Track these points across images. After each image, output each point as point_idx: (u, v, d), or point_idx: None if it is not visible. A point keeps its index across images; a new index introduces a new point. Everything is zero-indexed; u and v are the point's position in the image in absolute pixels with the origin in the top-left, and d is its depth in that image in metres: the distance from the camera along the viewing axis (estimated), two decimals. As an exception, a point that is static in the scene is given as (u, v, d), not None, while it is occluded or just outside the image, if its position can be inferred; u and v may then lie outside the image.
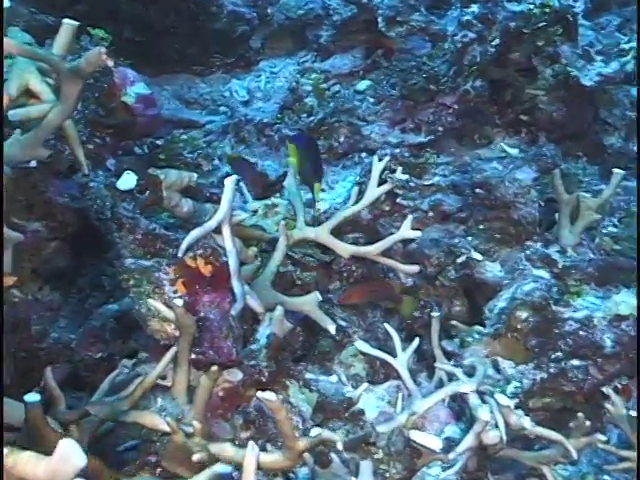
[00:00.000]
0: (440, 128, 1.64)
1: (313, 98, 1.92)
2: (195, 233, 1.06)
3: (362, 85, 1.88)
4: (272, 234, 1.37)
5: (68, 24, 1.03)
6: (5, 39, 0.91)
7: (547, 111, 1.64)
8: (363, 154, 1.62)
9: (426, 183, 1.45)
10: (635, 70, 1.64)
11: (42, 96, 0.98)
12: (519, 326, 1.28)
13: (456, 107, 1.62)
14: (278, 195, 1.52)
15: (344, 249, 1.36)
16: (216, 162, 1.63)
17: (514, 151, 1.54)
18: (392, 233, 1.47)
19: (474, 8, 1.56)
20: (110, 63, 0.89)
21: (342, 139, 1.67)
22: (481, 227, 1.49)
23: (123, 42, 2.02)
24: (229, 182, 1.10)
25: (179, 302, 0.91)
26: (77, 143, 1.02)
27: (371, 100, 1.80)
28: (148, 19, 1.96)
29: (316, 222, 1.47)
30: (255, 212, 1.45)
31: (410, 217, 1.32)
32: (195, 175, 1.20)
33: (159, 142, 1.45)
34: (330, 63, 1.99)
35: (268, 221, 1.43)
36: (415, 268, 1.39)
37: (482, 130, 1.74)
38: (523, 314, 1.28)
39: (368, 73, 1.92)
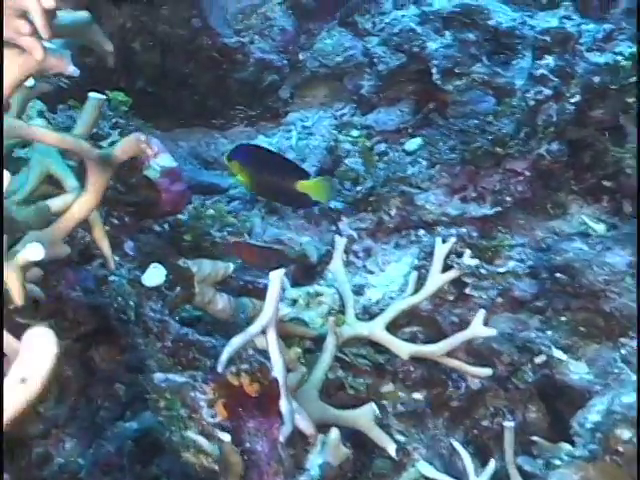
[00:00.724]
0: (508, 198, 1.64)
1: (354, 159, 1.94)
2: (236, 342, 1.03)
3: (412, 144, 1.90)
4: (317, 330, 1.34)
5: (95, 98, 1.05)
6: (32, 126, 0.92)
7: (634, 176, 1.63)
8: (421, 231, 1.61)
9: (500, 270, 1.43)
10: None
11: (64, 184, 0.99)
12: (620, 448, 1.23)
13: (527, 174, 1.62)
14: (322, 281, 1.51)
15: (403, 349, 1.33)
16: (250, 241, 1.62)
17: (600, 227, 1.52)
18: (454, 323, 1.44)
19: (549, 60, 1.58)
20: (150, 152, 0.89)
21: (394, 211, 1.66)
22: (562, 318, 1.46)
23: (135, 93, 2.07)
24: (275, 276, 1.09)
25: (226, 437, 0.89)
26: (102, 235, 1.01)
27: (423, 163, 1.80)
28: (164, 68, 2.01)
29: (364, 313, 1.45)
30: (295, 302, 1.43)
31: (482, 312, 1.30)
32: (231, 266, 1.19)
33: (182, 217, 1.45)
34: (373, 118, 2.01)
35: (311, 313, 1.41)
36: (487, 371, 1.35)
37: (555, 197, 1.73)
38: (625, 433, 1.23)
39: (418, 130, 1.94)
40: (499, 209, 1.64)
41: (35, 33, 0.66)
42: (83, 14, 0.70)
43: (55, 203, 0.98)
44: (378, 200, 1.67)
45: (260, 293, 1.49)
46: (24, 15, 0.65)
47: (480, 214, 1.65)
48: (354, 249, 1.61)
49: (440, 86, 1.81)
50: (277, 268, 1.51)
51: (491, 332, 1.29)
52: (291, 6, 2.18)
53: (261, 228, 1.75)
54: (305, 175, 1.40)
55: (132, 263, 1.30)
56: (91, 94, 1.08)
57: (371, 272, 1.59)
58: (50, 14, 0.64)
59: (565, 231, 1.68)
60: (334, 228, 1.66)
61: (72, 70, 0.70)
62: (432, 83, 1.86)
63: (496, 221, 1.65)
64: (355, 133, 2.03)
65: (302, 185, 1.39)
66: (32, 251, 0.66)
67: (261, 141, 2.08)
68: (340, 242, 1.46)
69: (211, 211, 1.54)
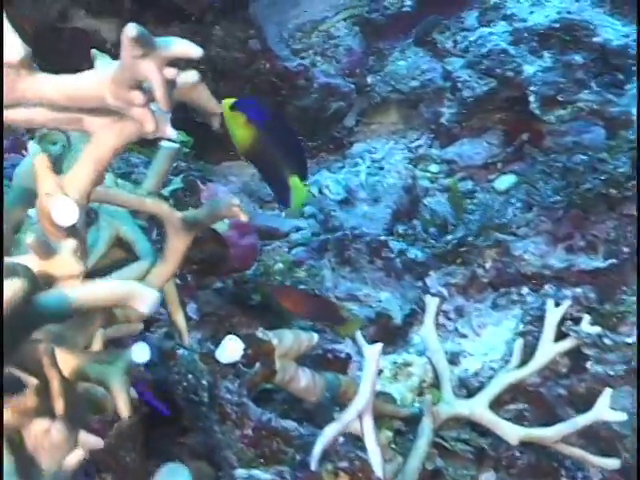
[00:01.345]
0: (625, 249, 1.59)
1: (434, 198, 1.91)
2: (330, 432, 1.01)
3: (504, 182, 1.87)
4: (408, 408, 1.31)
5: (168, 148, 1.05)
6: (109, 189, 0.92)
7: None
8: (524, 289, 1.57)
9: (628, 340, 1.38)
10: None
11: (136, 248, 0.98)
12: None
13: (649, 221, 1.57)
14: (409, 348, 1.48)
15: (511, 432, 1.29)
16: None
17: None
18: (568, 401, 1.40)
19: (672, 88, 1.54)
20: (244, 218, 0.88)
21: (488, 264, 1.62)
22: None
23: (181, 124, 2.09)
24: (373, 353, 1.06)
25: None
26: (177, 306, 1.00)
27: (518, 205, 1.77)
28: (216, 95, 2.02)
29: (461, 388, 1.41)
30: (380, 373, 1.40)
31: (609, 391, 1.25)
32: (316, 337, 1.17)
33: (247, 272, 1.44)
34: (455, 150, 1.99)
35: (399, 386, 1.37)
36: (615, 463, 1.30)
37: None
38: None
39: (510, 165, 1.91)
40: (614, 261, 1.59)
41: (148, 103, 0.66)
42: (193, 75, 0.69)
43: (128, 273, 0.98)
44: (469, 250, 1.64)
45: (342, 364, 1.47)
46: (138, 85, 0.65)
47: (591, 267, 1.60)
48: (444, 309, 1.58)
49: (538, 116, 1.78)
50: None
51: (620, 417, 1.24)
52: (357, 22, 2.18)
53: (332, 282, 1.73)
54: (302, 174, 1.37)
55: (198, 330, 1.29)
56: (164, 143, 1.08)
57: (464, 336, 1.56)
58: (170, 84, 0.64)
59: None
60: (420, 284, 1.63)
61: (171, 133, 0.70)
62: (527, 112, 1.84)
63: (610, 275, 1.60)
64: (434, 168, 2.01)
65: (294, 181, 1.37)
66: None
67: (325, 177, 2.07)
68: (432, 303, 1.42)
69: (279, 265, 1.53)
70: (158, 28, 1.96)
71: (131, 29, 0.64)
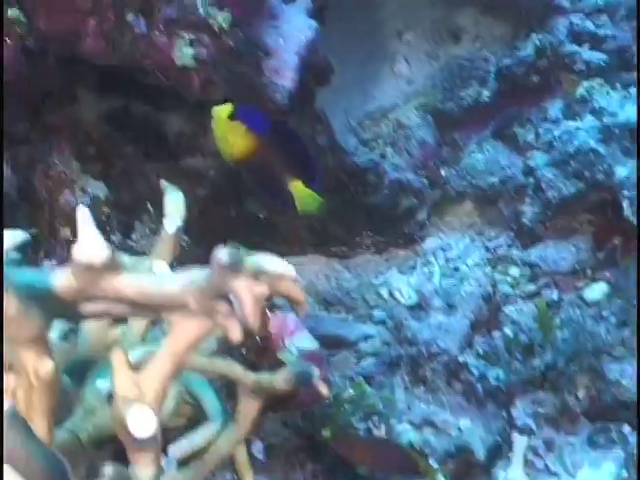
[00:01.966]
0: None
1: (515, 306, 1.85)
2: None
3: (594, 292, 1.80)
4: None
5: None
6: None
7: None
8: (625, 427, 1.49)
9: None
10: None
11: (206, 407, 0.96)
12: None
13: None
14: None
15: None
16: (396, 425, 1.55)
17: None
18: None
19: None
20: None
21: (581, 392, 1.55)
22: None
23: (242, 219, 2.09)
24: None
25: None
26: (247, 470, 0.97)
27: (612, 319, 1.70)
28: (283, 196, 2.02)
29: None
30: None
31: None
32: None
33: (317, 408, 1.40)
34: (538, 253, 1.93)
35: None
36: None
37: None
38: None
39: (600, 273, 1.84)
40: None
41: (234, 314, 0.64)
42: (290, 269, 0.68)
43: (197, 436, 0.95)
44: (559, 375, 1.57)
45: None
46: (224, 296, 0.64)
47: (699, 398, 1.51)
48: (532, 444, 1.50)
49: (634, 224, 1.72)
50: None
51: None
52: (430, 112, 2.16)
53: (405, 403, 1.67)
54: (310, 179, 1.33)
55: (264, 473, 1.25)
56: (219, 253, 1.06)
57: (556, 475, 1.48)
58: (259, 300, 0.62)
59: None
60: (504, 413, 1.56)
61: (236, 336, 0.67)
62: (620, 216, 1.78)
63: None
64: (515, 271, 1.95)
65: (296, 187, 1.33)
66: None
67: (396, 279, 2.03)
68: (520, 442, 1.36)
69: (350, 391, 1.49)
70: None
71: (223, 256, 0.63)
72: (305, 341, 1.35)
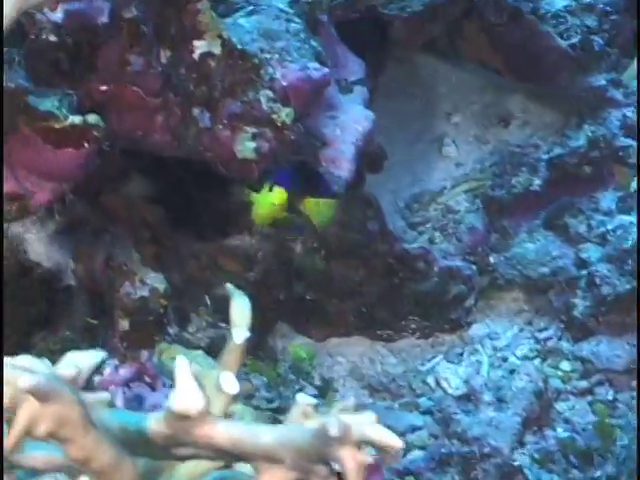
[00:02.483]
0: None
1: (567, 403, 1.82)
2: None
3: (650, 395, 1.76)
4: None
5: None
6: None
7: None
8: None
9: None
10: None
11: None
12: None
13: None
14: None
15: None
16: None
17: None
18: None
19: None
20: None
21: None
22: None
23: (290, 300, 2.08)
24: None
25: None
26: None
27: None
28: (328, 275, 2.01)
29: None
30: None
31: None
32: None
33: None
34: (590, 348, 1.89)
35: None
36: None
37: None
38: None
39: (656, 373, 1.80)
40: None
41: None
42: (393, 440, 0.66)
43: None
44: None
45: None
46: (324, 460, 0.62)
47: None
48: None
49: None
50: None
51: None
52: (480, 197, 2.16)
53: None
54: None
55: None
56: (299, 395, 1.04)
57: None
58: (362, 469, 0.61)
59: None
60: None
61: None
62: (677, 316, 1.75)
63: None
64: (566, 366, 1.91)
65: (307, 204, 1.35)
66: None
67: (443, 367, 2.00)
68: None
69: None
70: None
71: (333, 428, 0.61)
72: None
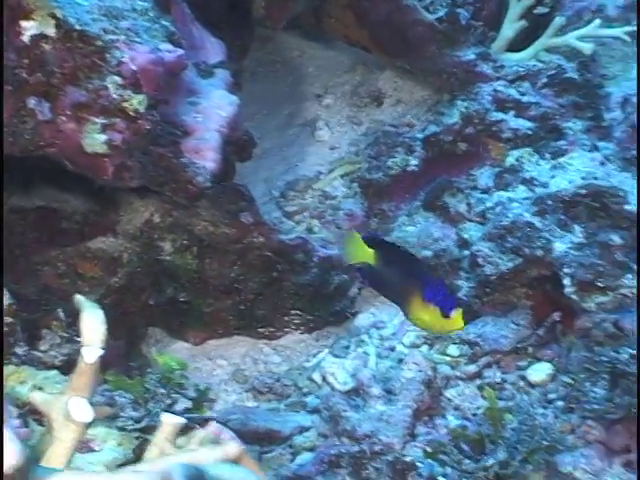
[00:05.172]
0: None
1: (455, 389, 1.77)
2: None
3: (539, 373, 1.73)
4: None
5: (170, 425, 0.89)
6: None
7: None
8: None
9: None
10: None
11: None
12: None
13: None
14: None
15: None
16: None
17: None
18: None
19: None
20: None
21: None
22: None
23: (161, 304, 1.94)
24: None
25: None
26: None
27: (559, 403, 1.63)
28: (201, 273, 1.88)
29: None
30: None
31: None
32: None
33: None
34: (476, 331, 1.85)
35: None
36: None
37: None
38: None
39: (542, 351, 1.78)
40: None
41: None
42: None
43: None
44: (513, 475, 1.48)
45: None
46: None
47: (656, 489, 1.45)
48: None
49: (576, 301, 1.67)
50: None
51: None
52: (356, 180, 2.08)
53: (349, 509, 1.55)
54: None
55: None
56: (164, 416, 0.92)
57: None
58: None
59: None
60: (457, 521, 1.46)
61: None
62: (559, 292, 1.73)
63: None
64: (454, 350, 1.87)
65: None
66: None
67: (329, 362, 1.92)
68: None
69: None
70: (134, 199, 1.84)
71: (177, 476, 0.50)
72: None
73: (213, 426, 1.23)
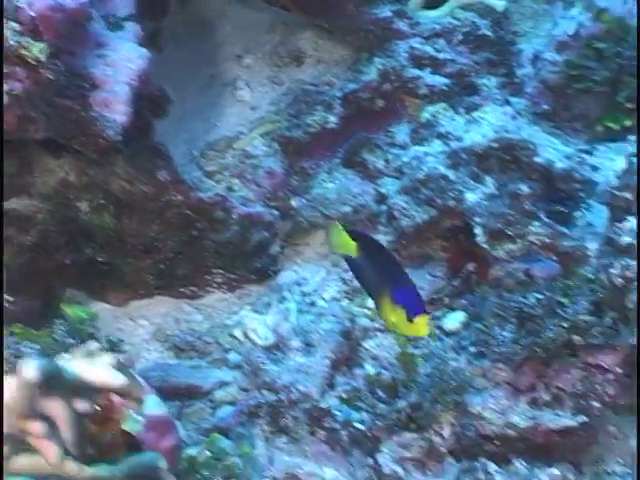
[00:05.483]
0: (596, 404, 1.51)
1: (374, 341, 1.80)
2: None
3: (453, 321, 1.77)
4: None
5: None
6: None
7: None
8: (491, 466, 1.46)
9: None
10: None
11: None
12: None
13: (619, 371, 1.50)
14: None
15: None
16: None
17: None
18: None
19: (632, 222, 1.49)
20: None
21: (447, 430, 1.51)
22: None
23: (79, 264, 1.91)
24: None
25: None
26: None
27: (472, 349, 1.67)
28: (120, 234, 1.87)
29: None
30: None
31: None
32: None
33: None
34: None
35: None
36: None
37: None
38: None
39: (457, 300, 1.83)
40: (584, 419, 1.50)
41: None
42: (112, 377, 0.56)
43: None
44: (424, 415, 1.52)
45: None
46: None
47: (560, 426, 1.51)
48: (400, 490, 1.44)
49: (487, 250, 1.71)
50: None
51: None
52: (276, 139, 2.08)
53: (266, 456, 1.57)
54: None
55: None
56: None
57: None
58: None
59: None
60: (370, 460, 1.49)
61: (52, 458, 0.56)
62: (473, 242, 1.77)
63: (582, 436, 1.51)
64: (372, 303, 1.90)
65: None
66: None
67: (250, 318, 1.93)
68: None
69: (206, 452, 1.36)
70: (48, 159, 1.81)
71: (29, 371, 0.51)
72: (153, 405, 1.22)
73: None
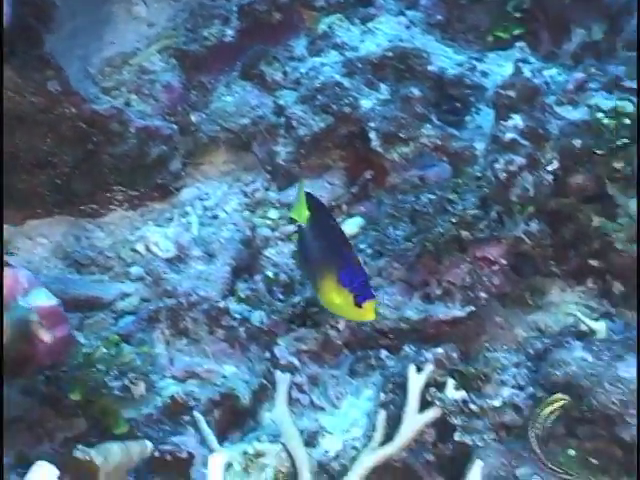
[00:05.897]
0: (483, 294, 1.58)
1: (276, 249, 1.83)
2: None
3: (352, 226, 1.82)
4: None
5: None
6: None
7: (627, 252, 1.62)
8: (382, 352, 1.51)
9: (496, 404, 1.35)
10: None
11: None
12: None
13: (504, 262, 1.57)
14: (260, 433, 1.37)
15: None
16: (158, 381, 1.47)
17: (600, 326, 1.49)
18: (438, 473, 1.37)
19: (516, 120, 1.55)
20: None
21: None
22: (569, 451, 1.40)
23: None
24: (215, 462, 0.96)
25: None
26: None
27: (369, 251, 1.72)
28: (10, 149, 1.83)
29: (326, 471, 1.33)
30: (229, 466, 1.28)
31: (479, 464, 1.23)
32: (149, 445, 1.04)
33: (63, 370, 1.28)
34: (295, 193, 1.91)
35: (253, 482, 1.27)
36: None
37: (532, 281, 1.70)
38: None
39: (355, 207, 1.87)
40: (472, 309, 1.58)
41: None
42: None
43: None
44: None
45: (183, 464, 1.34)
46: None
47: (449, 317, 1.58)
48: (297, 381, 1.49)
49: (382, 154, 1.75)
50: None
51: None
52: (174, 55, 2.06)
53: (167, 358, 1.59)
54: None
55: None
56: None
57: (322, 409, 1.47)
58: None
59: (551, 327, 1.64)
60: (268, 354, 1.53)
61: None
62: (369, 148, 1.80)
63: (470, 325, 1.58)
64: (274, 214, 1.93)
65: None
66: None
67: (152, 232, 1.93)
68: (283, 380, 1.34)
69: (102, 350, 1.37)
70: None
71: None
72: (40, 297, 1.21)
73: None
